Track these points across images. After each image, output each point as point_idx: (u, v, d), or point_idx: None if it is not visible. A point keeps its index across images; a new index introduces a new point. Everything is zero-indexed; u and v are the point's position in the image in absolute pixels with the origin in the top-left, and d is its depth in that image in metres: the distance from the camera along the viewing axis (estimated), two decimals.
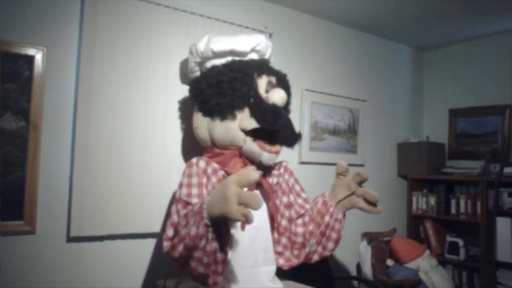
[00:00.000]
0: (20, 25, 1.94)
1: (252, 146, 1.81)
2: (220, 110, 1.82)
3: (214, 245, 1.43)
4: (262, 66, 1.92)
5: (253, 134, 1.82)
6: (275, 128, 1.78)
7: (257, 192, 1.52)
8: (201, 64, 2.08)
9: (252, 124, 1.80)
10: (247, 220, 1.24)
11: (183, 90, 2.30)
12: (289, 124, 1.85)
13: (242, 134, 1.82)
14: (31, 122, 1.94)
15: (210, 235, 1.41)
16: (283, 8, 2.92)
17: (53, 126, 2.01)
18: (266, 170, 1.91)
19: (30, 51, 1.94)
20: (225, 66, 1.89)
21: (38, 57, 1.96)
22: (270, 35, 2.71)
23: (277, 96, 1.83)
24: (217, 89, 1.83)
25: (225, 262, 1.54)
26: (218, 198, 1.32)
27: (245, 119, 1.81)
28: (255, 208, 1.23)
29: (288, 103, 2.04)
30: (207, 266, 1.48)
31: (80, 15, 2.08)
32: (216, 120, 1.85)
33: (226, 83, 1.82)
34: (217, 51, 1.97)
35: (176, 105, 2.32)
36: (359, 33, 3.41)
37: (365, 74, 3.44)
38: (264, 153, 1.81)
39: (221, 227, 1.44)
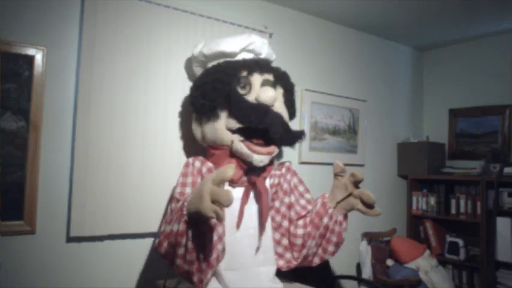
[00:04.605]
0: (20, 25, 1.93)
1: (239, 146, 1.80)
2: (204, 111, 1.84)
3: (196, 242, 1.46)
4: (253, 65, 1.90)
5: (240, 133, 1.81)
6: (260, 126, 1.75)
7: (229, 189, 1.54)
8: (203, 67, 2.10)
9: (236, 123, 1.80)
10: (218, 217, 1.27)
11: (183, 90, 2.30)
12: (279, 121, 1.81)
13: (229, 134, 1.82)
14: (31, 122, 1.94)
15: (190, 232, 1.43)
16: (283, 8, 2.92)
17: (53, 126, 2.01)
18: (262, 169, 1.90)
19: (30, 51, 1.94)
20: (214, 67, 1.92)
21: (38, 57, 1.96)
22: (270, 35, 2.71)
23: (264, 95, 1.82)
24: (202, 90, 1.86)
25: (210, 260, 1.54)
26: (195, 195, 1.37)
27: (229, 119, 1.82)
28: (225, 205, 1.27)
29: (291, 101, 2.03)
30: (190, 263, 1.50)
31: (80, 15, 2.08)
32: (204, 121, 1.89)
33: (209, 84, 1.84)
34: (207, 54, 2.00)
35: (176, 105, 2.32)
36: (359, 33, 3.41)
37: (365, 74, 3.44)
38: (254, 154, 1.80)
39: (201, 225, 1.45)
